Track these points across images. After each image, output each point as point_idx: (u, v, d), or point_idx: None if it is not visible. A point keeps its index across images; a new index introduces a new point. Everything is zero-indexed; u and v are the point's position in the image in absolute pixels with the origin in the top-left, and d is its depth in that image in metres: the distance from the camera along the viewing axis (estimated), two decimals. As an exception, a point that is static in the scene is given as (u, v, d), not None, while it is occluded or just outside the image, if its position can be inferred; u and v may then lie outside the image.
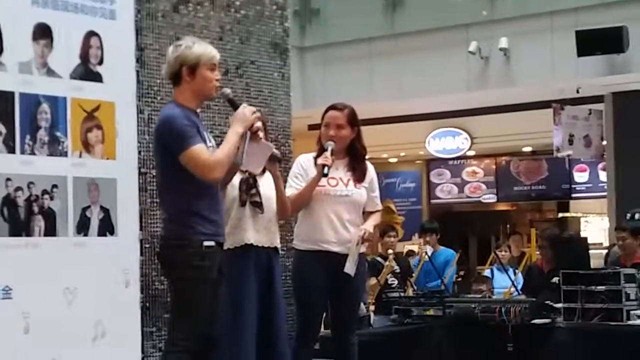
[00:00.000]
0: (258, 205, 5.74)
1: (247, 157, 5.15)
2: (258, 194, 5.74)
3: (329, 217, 5.77)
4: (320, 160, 5.74)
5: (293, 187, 5.80)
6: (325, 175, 5.71)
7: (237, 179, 5.69)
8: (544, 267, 9.31)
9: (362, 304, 7.97)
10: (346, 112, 5.88)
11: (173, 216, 4.96)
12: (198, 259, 4.88)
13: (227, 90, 5.31)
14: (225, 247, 5.24)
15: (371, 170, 5.98)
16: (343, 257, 5.72)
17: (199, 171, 4.85)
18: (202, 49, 5.01)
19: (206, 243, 4.90)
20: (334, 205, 5.79)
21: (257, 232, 5.71)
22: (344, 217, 5.80)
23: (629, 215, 9.72)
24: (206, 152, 4.88)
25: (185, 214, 4.90)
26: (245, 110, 5.06)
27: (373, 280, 9.58)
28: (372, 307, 9.47)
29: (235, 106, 5.12)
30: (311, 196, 5.76)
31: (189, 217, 4.90)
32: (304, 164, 5.88)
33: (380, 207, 6.09)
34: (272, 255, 5.78)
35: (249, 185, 5.75)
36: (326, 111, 5.91)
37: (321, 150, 5.84)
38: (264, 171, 5.76)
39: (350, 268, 5.70)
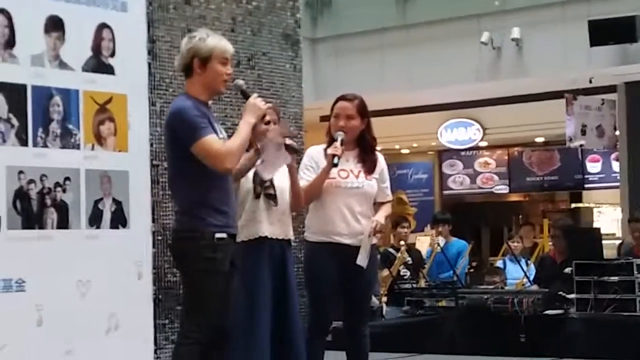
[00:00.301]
0: (272, 198, 5.73)
1: (264, 163, 5.24)
2: (272, 186, 5.74)
3: (340, 209, 5.76)
4: (330, 151, 5.72)
5: (304, 179, 5.78)
6: (335, 165, 5.69)
7: (251, 171, 5.68)
8: (556, 257, 9.30)
9: (374, 297, 7.96)
10: (356, 103, 5.85)
11: (185, 208, 4.96)
12: (210, 251, 4.88)
13: (240, 82, 5.29)
14: (239, 240, 5.25)
15: (381, 161, 5.97)
16: (355, 250, 5.71)
17: (210, 161, 4.84)
18: (215, 42, 4.99)
19: (218, 235, 4.90)
20: (346, 197, 5.77)
21: (271, 224, 5.71)
22: (355, 209, 5.79)
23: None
24: (218, 143, 4.87)
25: (196, 206, 4.90)
26: (257, 101, 5.05)
27: (385, 272, 9.58)
28: (384, 299, 9.48)
29: (247, 97, 5.11)
30: (322, 187, 5.75)
31: (201, 209, 4.89)
32: (314, 156, 5.86)
33: (390, 197, 6.08)
34: (285, 247, 5.78)
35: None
36: (336, 102, 5.89)
37: (331, 142, 5.82)
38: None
39: (362, 260, 5.69)
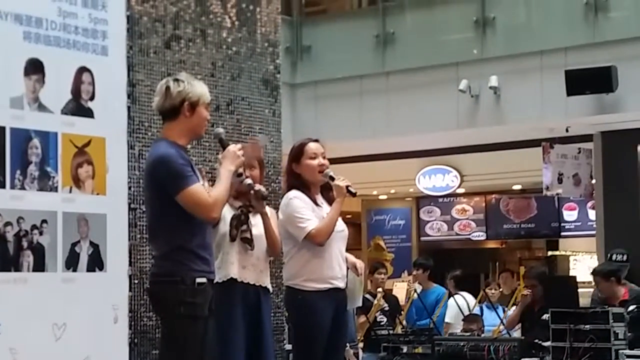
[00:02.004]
0: (248, 242, 5.75)
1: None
2: (249, 230, 5.75)
3: (335, 253, 5.77)
4: (343, 183, 5.73)
5: (312, 220, 5.68)
6: (354, 195, 5.72)
7: (229, 214, 5.69)
8: (533, 305, 9.31)
9: (349, 347, 7.94)
10: (321, 144, 5.93)
11: (165, 253, 4.95)
12: (190, 295, 4.87)
13: (221, 130, 5.34)
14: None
15: None
16: (344, 292, 5.77)
17: (197, 211, 4.85)
18: (202, 87, 5.06)
19: (198, 280, 4.90)
20: (337, 241, 5.80)
21: (243, 268, 5.71)
22: (343, 252, 5.84)
23: (609, 255, 9.77)
24: (204, 193, 4.89)
25: (177, 252, 4.89)
26: (236, 149, 5.08)
27: (362, 318, 9.56)
28: (360, 345, 9.45)
29: (224, 146, 5.14)
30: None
31: (182, 254, 4.89)
32: (302, 198, 5.82)
33: None
34: (261, 293, 5.78)
35: (241, 221, 5.77)
36: (304, 144, 5.89)
37: (296, 185, 5.82)
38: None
39: (360, 300, 5.82)
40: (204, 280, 4.91)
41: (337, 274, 5.74)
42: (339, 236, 5.79)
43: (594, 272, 9.05)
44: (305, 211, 5.71)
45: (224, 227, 5.71)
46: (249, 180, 5.71)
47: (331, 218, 5.69)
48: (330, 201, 5.85)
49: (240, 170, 5.16)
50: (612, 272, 8.89)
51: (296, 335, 5.83)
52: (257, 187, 5.71)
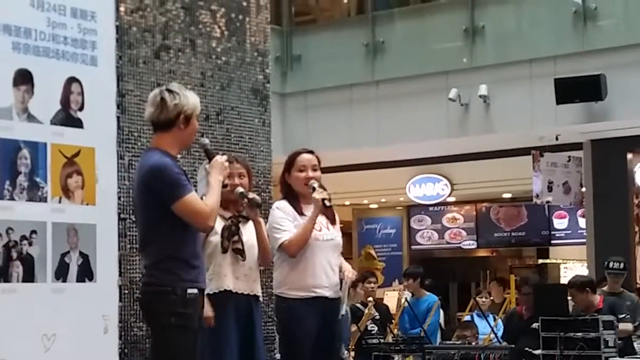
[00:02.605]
0: (240, 252, 5.74)
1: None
2: (240, 241, 5.75)
3: (321, 262, 5.75)
4: (319, 195, 5.72)
5: (288, 231, 5.70)
6: (329, 207, 5.73)
7: (219, 225, 5.69)
8: (524, 313, 9.32)
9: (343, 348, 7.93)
10: (316, 155, 5.92)
11: (156, 262, 4.91)
12: (181, 306, 4.85)
13: (206, 141, 5.32)
14: (205, 293, 5.24)
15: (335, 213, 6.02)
16: (333, 302, 5.74)
17: (195, 220, 4.83)
18: (195, 99, 4.99)
19: (190, 290, 4.88)
20: (324, 250, 5.77)
21: (236, 279, 5.71)
22: (332, 261, 5.81)
23: (605, 263, 9.79)
24: (200, 201, 4.88)
25: (169, 261, 4.87)
26: (223, 160, 5.08)
27: (353, 327, 9.56)
28: (352, 353, 9.45)
29: (211, 157, 5.13)
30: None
31: (174, 263, 4.87)
32: (285, 209, 5.83)
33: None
34: (253, 302, 5.77)
35: (232, 232, 5.76)
36: (296, 156, 5.89)
37: (290, 195, 5.82)
38: (247, 219, 5.79)
39: (343, 309, 5.77)
40: (195, 290, 4.90)
41: (324, 283, 5.73)
42: (326, 245, 5.78)
43: (569, 285, 9.09)
44: (284, 222, 5.72)
45: (216, 238, 5.71)
46: (240, 189, 5.73)
47: (304, 229, 5.69)
48: (325, 213, 5.85)
49: (227, 181, 5.16)
50: (586, 283, 8.96)
51: (282, 343, 5.85)
52: (251, 195, 5.72)
